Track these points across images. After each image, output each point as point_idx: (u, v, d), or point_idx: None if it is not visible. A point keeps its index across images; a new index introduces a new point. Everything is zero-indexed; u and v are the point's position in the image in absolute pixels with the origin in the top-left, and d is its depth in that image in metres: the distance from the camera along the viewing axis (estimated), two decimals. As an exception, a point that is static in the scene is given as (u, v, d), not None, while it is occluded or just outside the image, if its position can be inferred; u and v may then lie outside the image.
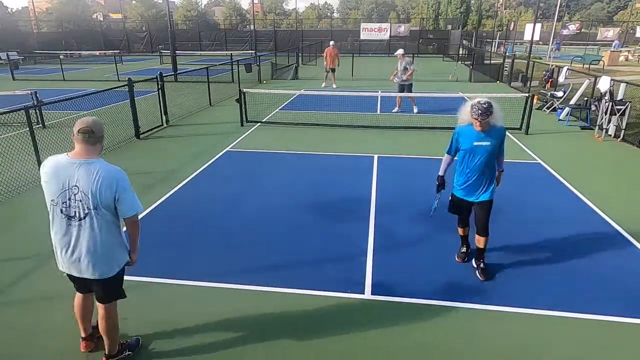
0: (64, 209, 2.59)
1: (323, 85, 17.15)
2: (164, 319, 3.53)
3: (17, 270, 4.22)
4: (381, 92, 15.04)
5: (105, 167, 2.58)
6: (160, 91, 10.22)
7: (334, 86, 16.77)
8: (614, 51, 26.62)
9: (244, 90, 10.61)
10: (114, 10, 68.33)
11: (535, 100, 11.24)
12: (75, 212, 2.58)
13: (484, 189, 3.96)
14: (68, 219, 2.60)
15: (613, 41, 35.68)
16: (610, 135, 9.30)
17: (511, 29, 41.19)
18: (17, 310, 3.66)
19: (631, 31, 44.60)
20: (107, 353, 2.99)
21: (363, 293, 3.85)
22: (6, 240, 4.83)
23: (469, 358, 3.13)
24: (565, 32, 40.41)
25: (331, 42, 17.37)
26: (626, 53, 30.19)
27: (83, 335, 3.15)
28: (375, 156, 7.83)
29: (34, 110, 9.44)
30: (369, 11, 77.30)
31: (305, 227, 5.16)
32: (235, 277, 4.08)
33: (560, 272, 4.17)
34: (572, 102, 11.27)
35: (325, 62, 16.93)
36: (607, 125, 9.35)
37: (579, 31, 43.36)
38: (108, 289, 2.81)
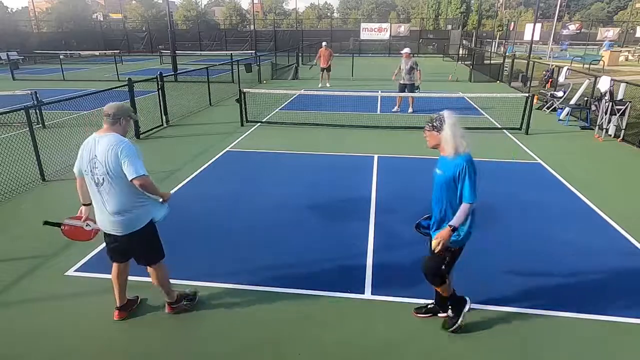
0: (91, 177, 3.05)
1: (319, 85, 17.41)
2: (163, 319, 3.53)
3: (17, 270, 4.22)
4: (381, 92, 15.04)
5: (113, 138, 2.99)
6: (160, 91, 10.22)
7: (328, 85, 17.09)
8: (613, 51, 26.61)
9: (244, 90, 10.61)
10: (114, 10, 68.32)
11: (535, 100, 11.24)
12: (97, 179, 3.02)
13: (435, 227, 3.20)
14: (95, 185, 3.06)
15: (613, 41, 35.75)
16: (610, 135, 9.30)
17: (511, 29, 41.18)
18: (17, 310, 3.66)
19: (631, 31, 44.58)
20: (167, 301, 3.53)
21: (363, 293, 3.85)
22: (6, 240, 4.83)
23: (468, 358, 3.13)
24: (565, 32, 40.40)
25: (323, 43, 17.83)
26: (626, 53, 30.16)
27: (117, 304, 3.51)
28: (375, 156, 7.83)
29: (34, 110, 9.45)
30: (369, 11, 77.28)
31: (305, 227, 5.16)
32: (234, 277, 4.08)
33: (560, 272, 4.17)
34: (572, 102, 11.27)
35: (318, 62, 17.47)
36: (607, 125, 9.35)
37: (579, 31, 43.35)
38: (140, 246, 3.24)
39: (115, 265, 3.42)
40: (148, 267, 3.37)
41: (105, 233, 3.26)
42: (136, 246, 3.24)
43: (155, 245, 3.34)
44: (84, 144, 3.09)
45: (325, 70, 17.19)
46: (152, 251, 3.32)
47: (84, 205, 3.40)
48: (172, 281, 3.99)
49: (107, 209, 3.08)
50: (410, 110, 11.92)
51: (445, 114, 3.11)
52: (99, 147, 2.98)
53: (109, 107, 3.08)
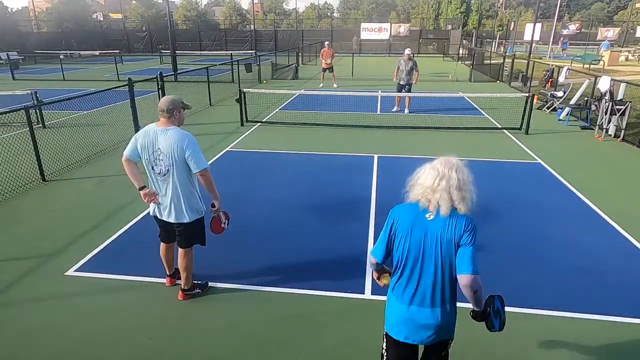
0: (154, 167, 3.31)
1: (321, 85, 17.28)
2: (163, 319, 3.53)
3: (17, 270, 4.22)
4: (381, 92, 15.04)
5: (176, 132, 3.26)
6: (160, 91, 10.21)
7: (335, 85, 16.90)
8: (614, 51, 26.61)
9: (244, 90, 10.61)
10: (114, 10, 68.27)
11: (535, 100, 11.24)
12: (160, 169, 3.30)
13: None
14: (158, 174, 3.34)
15: (612, 41, 35.70)
16: (611, 135, 9.30)
17: (511, 28, 41.18)
18: (17, 310, 3.66)
19: (631, 31, 44.57)
20: (182, 287, 3.73)
21: (363, 293, 3.85)
22: (6, 240, 4.83)
23: (468, 358, 3.13)
24: (565, 32, 40.37)
25: (326, 43, 17.74)
26: (626, 53, 30.16)
27: (168, 273, 3.91)
28: (375, 156, 7.83)
29: (34, 110, 9.44)
30: (369, 11, 77.26)
31: (305, 227, 5.16)
32: (234, 278, 4.08)
33: (561, 272, 4.17)
34: (572, 102, 11.27)
35: (322, 62, 17.35)
36: (607, 125, 9.34)
37: (579, 31, 43.33)
38: (188, 234, 3.52)
39: (163, 245, 3.77)
40: (180, 249, 3.61)
41: (156, 217, 3.58)
42: (183, 232, 3.52)
43: (199, 234, 3.63)
44: (141, 132, 3.33)
45: (327, 71, 17.02)
46: (195, 239, 3.63)
47: (141, 188, 3.48)
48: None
49: (166, 197, 3.38)
50: (406, 111, 11.92)
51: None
52: (164, 140, 3.23)
53: (163, 102, 3.31)
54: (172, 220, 3.45)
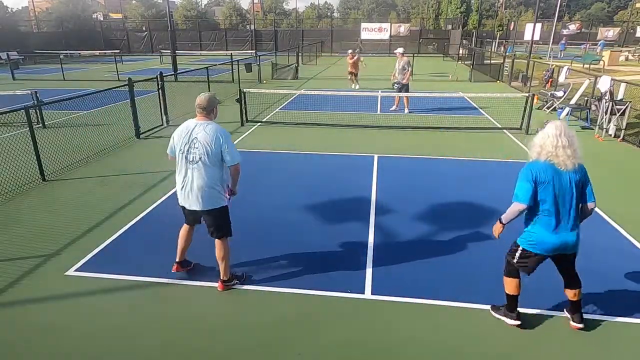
0: (188, 156, 3.57)
1: (357, 87, 16.68)
2: (163, 319, 3.53)
3: (18, 270, 4.22)
4: (381, 92, 15.04)
5: (214, 127, 3.57)
6: (160, 91, 10.21)
7: (357, 87, 16.63)
8: (614, 51, 26.60)
9: (244, 90, 10.61)
10: (114, 10, 68.25)
11: (535, 100, 11.23)
12: (194, 157, 3.55)
13: None
14: (189, 162, 3.58)
15: (612, 41, 35.69)
16: (611, 135, 9.30)
17: (511, 28, 41.17)
18: (17, 310, 3.66)
19: (631, 31, 44.56)
20: (221, 278, 3.89)
21: (363, 293, 3.85)
22: (6, 240, 4.83)
23: (468, 357, 3.13)
24: (565, 32, 40.36)
25: (349, 51, 17.10)
26: (626, 53, 30.15)
27: (177, 259, 4.06)
28: (375, 156, 7.82)
29: (34, 110, 9.44)
30: (369, 11, 77.25)
31: (306, 226, 5.16)
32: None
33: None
34: (572, 102, 11.27)
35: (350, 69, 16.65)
36: (607, 125, 9.34)
37: (579, 31, 43.33)
38: (216, 220, 3.73)
39: (185, 226, 3.99)
40: (216, 240, 3.81)
41: (182, 206, 3.81)
42: (213, 220, 3.73)
43: (226, 223, 3.82)
44: (182, 126, 3.64)
45: (352, 75, 16.69)
46: (223, 227, 3.80)
47: None
48: (172, 281, 4.03)
49: (196, 184, 3.60)
50: (406, 110, 11.90)
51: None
52: (203, 133, 3.52)
53: (202, 99, 3.59)
54: (197, 207, 3.67)
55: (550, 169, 3.00)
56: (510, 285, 3.37)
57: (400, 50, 11.80)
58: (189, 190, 3.64)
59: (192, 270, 4.19)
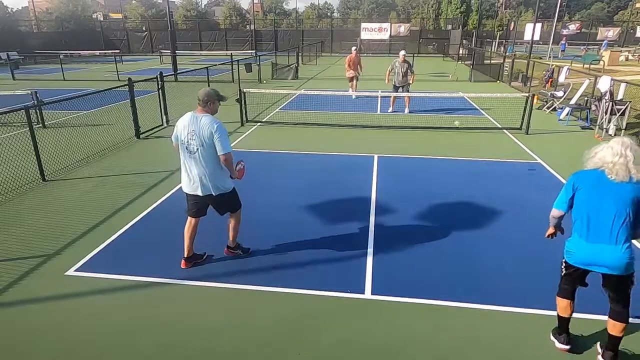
0: (187, 146, 3.83)
1: (353, 95, 14.22)
2: (163, 319, 3.53)
3: (18, 270, 4.22)
4: (381, 92, 15.04)
5: (208, 119, 3.79)
6: (160, 91, 10.21)
7: (354, 95, 14.20)
8: (614, 51, 26.61)
9: (244, 90, 10.61)
10: (114, 10, 68.31)
11: (535, 100, 11.24)
12: (192, 148, 3.81)
13: None
14: (189, 153, 3.84)
15: (611, 41, 35.67)
16: (611, 135, 9.29)
17: (511, 28, 41.16)
18: (17, 310, 3.66)
19: (631, 31, 44.56)
20: (228, 245, 4.34)
21: (363, 293, 3.85)
22: (6, 240, 4.83)
23: (468, 357, 3.13)
24: (565, 32, 40.36)
25: (353, 48, 14.69)
26: (626, 53, 30.16)
27: (185, 255, 4.21)
28: (375, 156, 7.82)
29: (34, 110, 9.44)
30: (369, 11, 77.27)
31: (305, 226, 5.16)
32: (234, 277, 4.08)
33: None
34: (572, 101, 11.27)
35: (348, 71, 14.32)
36: (607, 125, 9.35)
37: (579, 31, 43.34)
38: (227, 201, 4.09)
39: (189, 220, 4.17)
40: (230, 214, 4.21)
41: (187, 194, 4.05)
42: (223, 202, 4.07)
43: (236, 200, 4.19)
44: (182, 118, 3.91)
45: (354, 80, 14.30)
46: (234, 204, 4.19)
47: None
48: (171, 281, 4.04)
49: (194, 173, 3.88)
50: (407, 111, 11.91)
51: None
52: (198, 124, 3.77)
53: (201, 93, 3.85)
54: (201, 193, 3.94)
55: (594, 175, 2.86)
56: (559, 305, 3.16)
57: (403, 52, 11.82)
58: (192, 178, 3.91)
59: (203, 261, 4.32)
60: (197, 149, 3.79)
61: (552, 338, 3.25)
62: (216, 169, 3.88)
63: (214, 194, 3.95)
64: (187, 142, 3.82)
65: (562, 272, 3.15)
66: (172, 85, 15.84)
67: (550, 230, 3.29)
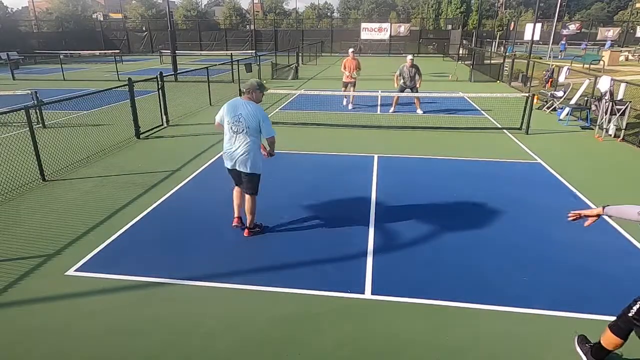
0: (233, 127, 4.49)
1: (348, 105, 12.85)
2: (163, 319, 3.53)
3: (17, 270, 4.22)
4: (381, 92, 15.04)
5: (254, 107, 4.49)
6: (160, 91, 10.20)
7: (350, 107, 12.68)
8: (614, 51, 26.61)
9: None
10: (114, 10, 68.27)
11: (535, 100, 11.24)
12: (237, 128, 4.48)
13: None
14: (234, 133, 4.50)
15: (613, 41, 35.65)
16: (611, 135, 9.30)
17: (511, 28, 41.16)
18: (17, 310, 3.66)
19: (631, 31, 44.56)
20: (247, 225, 4.87)
21: (363, 293, 3.85)
22: (6, 240, 4.83)
23: (468, 357, 3.13)
24: (565, 32, 40.35)
25: (350, 50, 13.05)
26: (626, 53, 30.16)
27: (235, 215, 4.97)
28: (375, 156, 7.82)
29: (34, 110, 9.44)
30: (369, 11, 77.26)
31: (305, 226, 5.16)
32: (235, 277, 4.09)
33: (561, 272, 4.17)
34: (572, 102, 11.27)
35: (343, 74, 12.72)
36: (607, 125, 9.34)
37: (579, 31, 43.34)
38: (251, 182, 4.68)
39: (236, 189, 4.92)
40: (248, 196, 4.76)
41: (228, 169, 4.72)
42: (248, 182, 4.66)
43: (258, 184, 4.76)
44: (230, 103, 4.57)
45: (349, 86, 12.49)
46: (255, 187, 4.75)
47: None
48: (172, 281, 4.04)
49: (238, 150, 4.51)
50: (419, 111, 11.84)
51: None
52: (245, 109, 4.45)
53: (245, 84, 4.57)
54: (238, 168, 4.60)
55: None
56: (609, 340, 2.90)
57: (411, 57, 11.70)
58: (234, 153, 4.54)
59: (261, 231, 4.93)
60: (243, 130, 4.45)
61: (582, 354, 3.10)
62: (253, 149, 4.53)
63: (248, 171, 4.57)
64: (233, 123, 4.46)
65: (633, 312, 2.77)
66: (172, 85, 15.85)
67: (593, 217, 2.96)
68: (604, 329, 2.96)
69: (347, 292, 3.85)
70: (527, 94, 9.96)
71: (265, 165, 4.86)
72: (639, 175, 7.00)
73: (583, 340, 3.17)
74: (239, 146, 4.49)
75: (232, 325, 3.46)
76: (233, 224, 4.94)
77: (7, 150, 7.17)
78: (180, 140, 9.24)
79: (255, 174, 4.64)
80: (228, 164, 4.67)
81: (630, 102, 9.33)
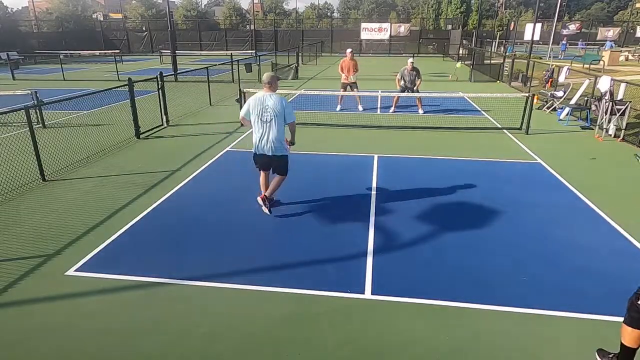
0: (262, 117, 5.06)
1: (358, 107, 12.49)
2: (163, 319, 3.53)
3: (17, 270, 4.22)
4: (381, 92, 15.03)
5: (278, 97, 5.07)
6: (160, 91, 10.20)
7: (360, 108, 12.37)
8: (614, 51, 26.60)
9: (244, 90, 10.60)
10: (114, 10, 68.28)
11: (535, 100, 11.24)
12: (266, 118, 5.05)
13: None
14: (262, 123, 5.09)
15: (613, 40, 35.62)
16: (611, 135, 9.30)
17: (511, 28, 41.16)
18: (17, 310, 3.66)
19: (631, 31, 44.55)
20: (267, 195, 5.41)
21: (363, 293, 3.85)
22: (6, 240, 4.83)
23: (469, 357, 3.13)
24: (565, 32, 40.35)
25: (348, 51, 12.28)
26: (626, 53, 30.15)
27: (262, 191, 5.49)
28: (375, 156, 7.82)
29: (34, 110, 9.44)
30: (369, 11, 77.27)
31: (305, 226, 5.16)
32: (235, 277, 4.09)
33: (561, 272, 4.17)
34: (572, 102, 11.27)
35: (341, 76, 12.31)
36: (607, 125, 9.34)
37: (579, 31, 43.33)
38: (281, 164, 5.36)
39: (262, 173, 5.52)
40: (277, 175, 5.42)
41: (257, 154, 5.30)
42: (279, 164, 5.35)
43: (287, 166, 5.44)
44: (254, 97, 5.09)
45: (348, 88, 12.11)
46: (285, 169, 5.43)
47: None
48: (172, 281, 4.04)
49: (270, 137, 5.11)
50: (421, 111, 11.88)
51: None
52: (270, 100, 5.01)
53: (266, 77, 5.12)
54: (270, 153, 5.19)
55: None
56: (629, 336, 2.72)
57: (411, 60, 11.75)
58: (265, 141, 5.12)
59: (275, 204, 5.61)
60: (272, 119, 5.01)
61: None
62: (281, 134, 5.15)
63: (280, 154, 5.21)
64: (262, 114, 5.01)
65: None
66: (172, 85, 15.85)
67: None
68: (621, 331, 2.84)
69: (347, 292, 3.85)
70: (527, 94, 9.96)
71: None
72: (639, 175, 7.00)
73: (603, 353, 3.04)
74: (271, 133, 5.07)
75: (232, 325, 3.46)
76: (259, 198, 5.45)
77: (7, 150, 7.17)
78: (180, 140, 9.24)
79: (285, 155, 5.30)
80: (262, 151, 5.20)
81: (630, 102, 9.33)
